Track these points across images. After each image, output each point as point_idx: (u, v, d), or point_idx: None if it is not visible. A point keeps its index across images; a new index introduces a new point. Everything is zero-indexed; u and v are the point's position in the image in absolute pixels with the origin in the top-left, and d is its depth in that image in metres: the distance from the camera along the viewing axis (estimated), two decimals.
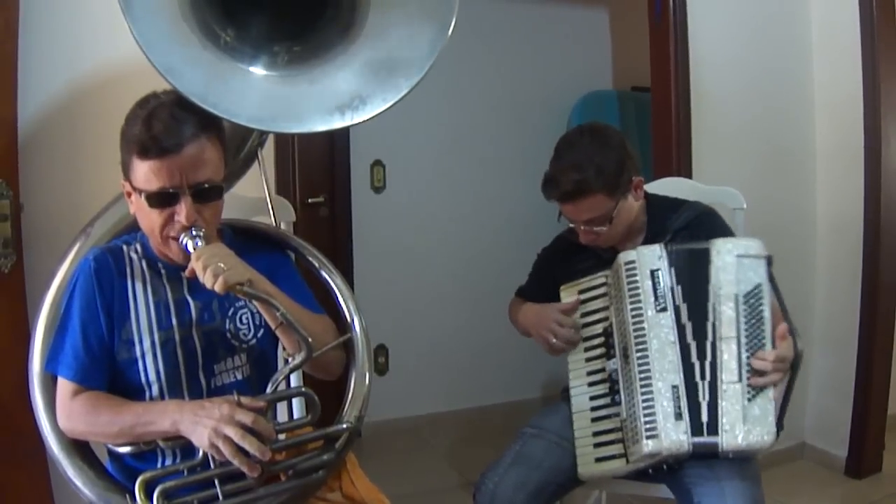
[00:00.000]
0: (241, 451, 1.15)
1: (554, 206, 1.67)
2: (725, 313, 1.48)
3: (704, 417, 1.44)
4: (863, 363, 2.64)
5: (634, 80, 3.57)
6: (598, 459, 1.57)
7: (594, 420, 1.60)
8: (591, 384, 1.63)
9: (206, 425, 1.16)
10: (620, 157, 1.61)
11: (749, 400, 1.43)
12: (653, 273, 1.52)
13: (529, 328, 1.73)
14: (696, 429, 1.44)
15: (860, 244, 2.62)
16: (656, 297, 1.51)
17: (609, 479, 1.65)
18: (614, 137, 1.65)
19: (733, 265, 1.50)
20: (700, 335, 1.48)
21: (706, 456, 1.46)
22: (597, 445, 1.58)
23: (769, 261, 1.52)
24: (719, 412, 1.43)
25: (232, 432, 1.14)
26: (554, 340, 1.65)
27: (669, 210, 1.73)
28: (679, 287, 1.51)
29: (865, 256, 2.61)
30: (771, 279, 1.51)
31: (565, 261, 1.78)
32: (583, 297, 1.67)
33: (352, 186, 3.04)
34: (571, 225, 1.69)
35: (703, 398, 1.45)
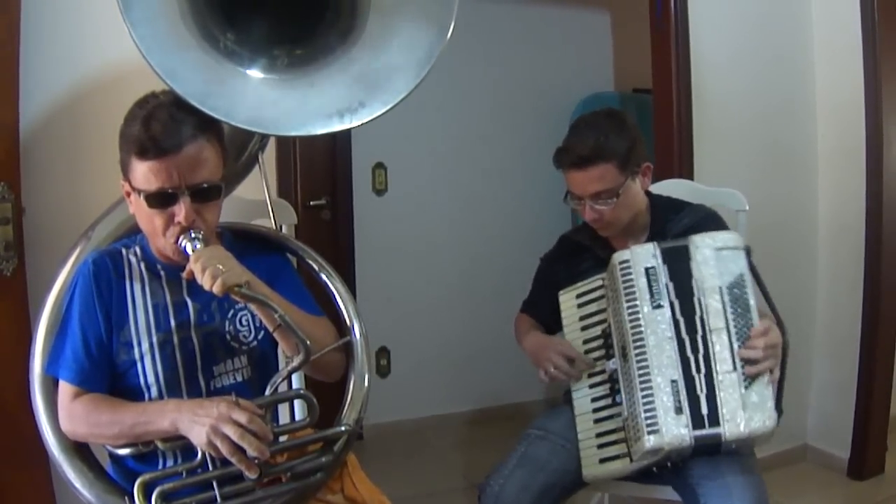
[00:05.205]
0: (239, 449, 1.15)
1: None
2: (712, 306, 1.49)
3: (704, 410, 1.44)
4: (865, 364, 2.63)
5: (636, 82, 3.56)
6: (603, 460, 1.57)
7: (597, 421, 1.60)
8: (592, 386, 1.63)
9: (204, 423, 1.16)
10: (633, 137, 1.67)
11: (746, 388, 1.44)
12: (647, 271, 1.54)
13: (531, 356, 1.74)
14: (696, 422, 1.44)
15: (862, 245, 2.62)
16: (651, 295, 1.52)
17: (612, 481, 1.65)
18: (629, 121, 1.70)
19: (713, 258, 1.52)
20: (691, 330, 1.49)
21: (709, 452, 1.46)
22: (600, 446, 1.58)
23: (748, 251, 1.54)
24: (718, 403, 1.43)
25: (230, 430, 1.14)
26: (552, 370, 1.65)
27: (672, 212, 1.75)
28: (672, 283, 1.53)
29: (867, 257, 2.61)
30: (752, 269, 1.53)
31: (566, 263, 1.80)
32: (581, 300, 1.69)
33: (353, 189, 3.04)
34: (577, 203, 1.69)
35: (701, 391, 1.45)
